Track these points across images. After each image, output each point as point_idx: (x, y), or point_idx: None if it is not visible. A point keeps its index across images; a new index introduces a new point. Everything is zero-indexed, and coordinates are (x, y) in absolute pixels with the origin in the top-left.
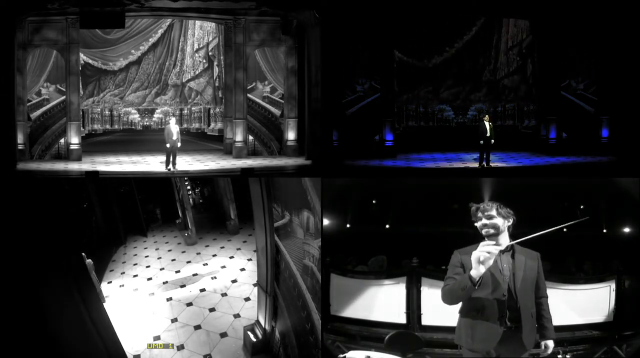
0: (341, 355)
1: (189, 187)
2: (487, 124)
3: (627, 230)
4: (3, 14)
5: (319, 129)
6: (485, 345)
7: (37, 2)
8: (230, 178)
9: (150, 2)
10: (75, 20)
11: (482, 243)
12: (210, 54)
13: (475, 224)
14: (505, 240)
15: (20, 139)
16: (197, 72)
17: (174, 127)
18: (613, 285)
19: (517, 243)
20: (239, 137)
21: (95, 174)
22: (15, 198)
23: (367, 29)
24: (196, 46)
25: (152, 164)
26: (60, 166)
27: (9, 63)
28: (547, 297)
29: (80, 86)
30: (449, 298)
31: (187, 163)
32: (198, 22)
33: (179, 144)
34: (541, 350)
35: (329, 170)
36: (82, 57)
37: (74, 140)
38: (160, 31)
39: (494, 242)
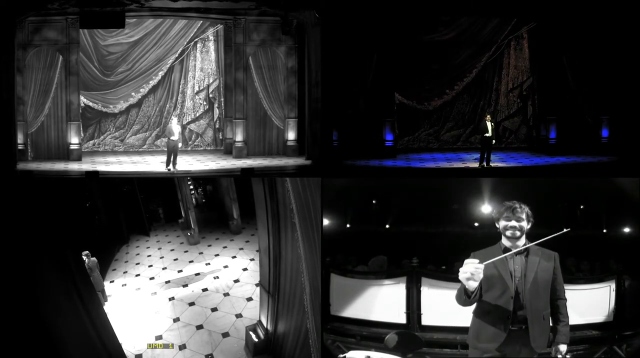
0: (341, 355)
1: (191, 187)
2: (488, 124)
3: (627, 230)
4: (3, 14)
5: (319, 129)
6: (489, 345)
7: (37, 2)
8: (233, 177)
9: (150, 2)
10: (75, 20)
11: (466, 261)
12: (210, 96)
13: (500, 223)
14: (522, 241)
15: (20, 139)
16: (197, 114)
17: (175, 127)
18: (613, 285)
19: (535, 244)
20: (239, 137)
21: (95, 174)
22: (15, 198)
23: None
24: (196, 88)
25: (153, 163)
26: (60, 166)
27: (9, 63)
28: (564, 299)
29: (81, 128)
30: (459, 302)
31: (187, 163)
32: (198, 65)
33: (180, 144)
34: (552, 354)
35: (328, 170)
36: (83, 100)
37: (74, 140)
38: (161, 74)
39: (477, 260)
